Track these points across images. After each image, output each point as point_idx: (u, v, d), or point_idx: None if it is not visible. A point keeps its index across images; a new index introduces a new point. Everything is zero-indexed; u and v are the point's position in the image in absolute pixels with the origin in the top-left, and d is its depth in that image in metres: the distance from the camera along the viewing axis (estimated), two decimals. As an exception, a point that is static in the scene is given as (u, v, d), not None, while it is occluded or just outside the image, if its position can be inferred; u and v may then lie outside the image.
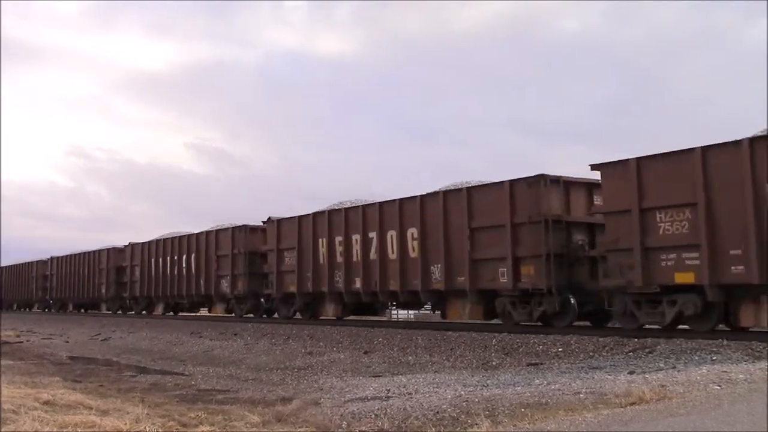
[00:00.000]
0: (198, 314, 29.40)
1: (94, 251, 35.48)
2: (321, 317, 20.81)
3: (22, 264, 46.04)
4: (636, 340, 12.08)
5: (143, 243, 30.75)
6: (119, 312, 33.47)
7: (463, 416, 6.85)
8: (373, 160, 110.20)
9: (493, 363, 12.21)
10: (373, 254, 18.10)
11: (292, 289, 21.03)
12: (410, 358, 13.65)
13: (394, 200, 17.75)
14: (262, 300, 24.02)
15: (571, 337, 12.95)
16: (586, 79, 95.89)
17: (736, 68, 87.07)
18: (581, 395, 7.00)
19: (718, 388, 6.89)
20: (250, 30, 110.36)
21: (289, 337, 18.01)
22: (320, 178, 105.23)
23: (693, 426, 5.10)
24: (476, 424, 6.27)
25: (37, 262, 43.10)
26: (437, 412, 7.11)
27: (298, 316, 21.93)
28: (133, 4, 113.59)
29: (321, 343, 16.41)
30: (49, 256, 41.55)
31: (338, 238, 19.28)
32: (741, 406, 5.78)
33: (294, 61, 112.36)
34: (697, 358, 10.09)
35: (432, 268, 16.46)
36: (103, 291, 33.92)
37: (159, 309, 30.27)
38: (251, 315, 24.38)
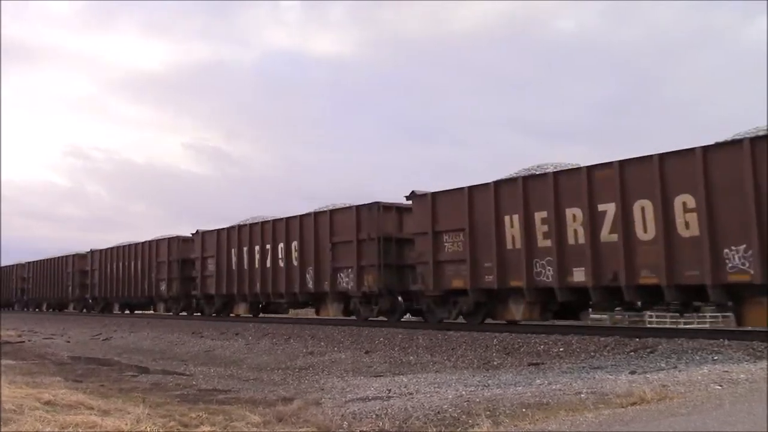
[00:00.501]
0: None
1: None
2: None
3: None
4: (637, 340, 12.09)
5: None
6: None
7: (464, 416, 6.85)
8: (373, 160, 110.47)
9: (495, 363, 12.20)
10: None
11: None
12: (411, 357, 13.64)
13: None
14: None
15: (572, 337, 12.95)
16: (585, 79, 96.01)
17: (734, 68, 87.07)
18: (582, 395, 6.99)
19: (720, 388, 6.88)
20: (247, 30, 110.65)
21: (290, 336, 18.02)
22: (319, 178, 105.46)
23: (694, 426, 5.10)
24: (477, 424, 6.27)
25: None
26: (438, 412, 7.11)
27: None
28: (130, 4, 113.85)
29: (322, 343, 16.41)
30: (89, 250, 36.79)
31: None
32: (742, 406, 5.77)
33: (291, 61, 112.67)
34: (698, 358, 10.09)
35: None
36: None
37: (240, 309, 29.62)
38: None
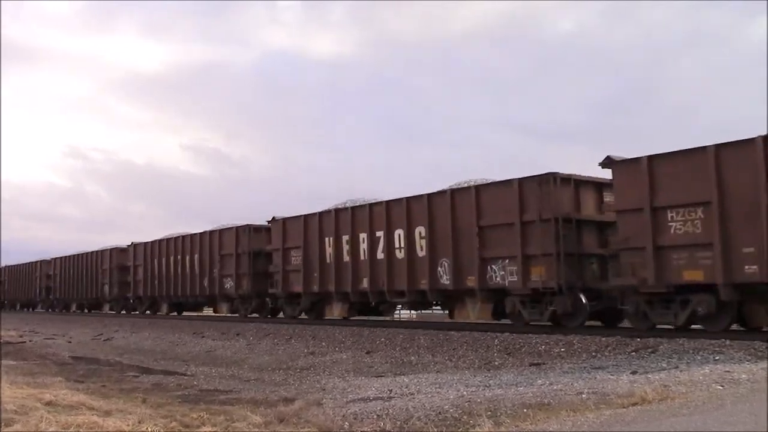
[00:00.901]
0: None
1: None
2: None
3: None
4: (639, 340, 12.07)
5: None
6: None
7: (465, 417, 6.84)
8: (372, 160, 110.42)
9: (496, 363, 12.20)
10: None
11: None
12: (412, 358, 13.64)
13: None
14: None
15: (573, 337, 12.95)
16: (584, 79, 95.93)
17: (733, 68, 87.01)
18: (583, 395, 6.99)
19: (721, 388, 6.88)
20: (247, 30, 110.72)
21: (291, 337, 18.02)
22: (319, 178, 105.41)
23: (695, 426, 5.10)
24: (478, 424, 6.27)
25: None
26: (439, 413, 7.10)
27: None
28: (129, 5, 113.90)
29: (323, 343, 16.41)
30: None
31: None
32: (743, 406, 5.77)
33: (290, 62, 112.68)
34: (699, 358, 10.08)
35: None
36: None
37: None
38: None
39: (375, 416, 7.37)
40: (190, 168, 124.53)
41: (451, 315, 17.38)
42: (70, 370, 14.50)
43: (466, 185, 16.55)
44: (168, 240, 29.12)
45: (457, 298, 16.61)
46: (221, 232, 25.66)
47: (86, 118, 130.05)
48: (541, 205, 14.26)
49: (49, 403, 8.40)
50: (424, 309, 21.47)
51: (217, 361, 15.78)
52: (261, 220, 23.70)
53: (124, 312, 33.50)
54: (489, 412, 6.70)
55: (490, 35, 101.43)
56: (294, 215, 21.52)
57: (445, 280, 16.29)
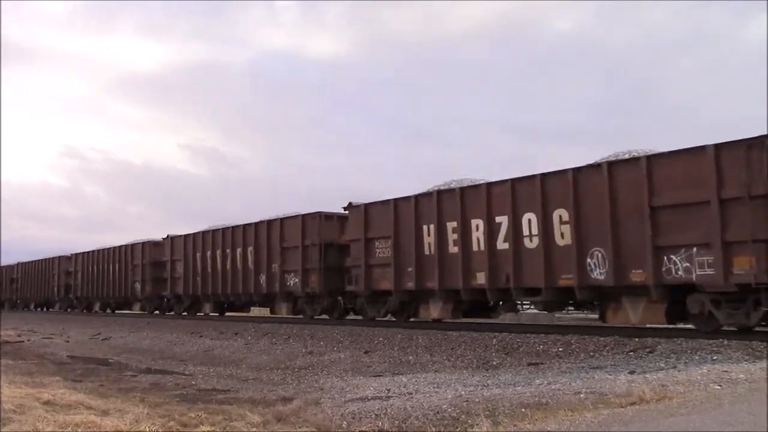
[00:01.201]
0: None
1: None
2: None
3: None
4: (636, 339, 12.10)
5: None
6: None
7: (463, 416, 6.85)
8: (371, 160, 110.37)
9: (494, 363, 12.21)
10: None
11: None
12: (411, 357, 13.65)
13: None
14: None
15: (571, 337, 12.97)
16: (584, 79, 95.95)
17: (733, 67, 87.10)
18: (581, 395, 6.99)
19: (719, 387, 6.89)
20: (244, 30, 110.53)
21: (289, 336, 18.02)
22: (316, 178, 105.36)
23: (693, 426, 5.10)
24: (476, 424, 6.27)
25: (145, 243, 32.28)
26: (437, 412, 7.11)
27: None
28: (126, 5, 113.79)
29: (321, 343, 16.41)
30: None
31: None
32: (741, 405, 5.78)
33: (287, 62, 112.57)
34: (697, 357, 10.09)
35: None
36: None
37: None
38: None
39: (373, 416, 7.37)
40: (188, 168, 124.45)
41: (602, 317, 14.14)
42: (68, 369, 14.48)
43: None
44: (214, 231, 25.62)
45: (613, 296, 13.59)
46: (283, 221, 22.07)
47: (83, 117, 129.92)
48: (750, 177, 11.17)
49: (47, 403, 8.39)
50: (561, 309, 17.95)
51: (215, 361, 15.78)
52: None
53: (157, 312, 30.39)
54: (487, 412, 6.70)
55: (490, 35, 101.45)
56: (379, 200, 18.45)
57: (598, 274, 13.32)
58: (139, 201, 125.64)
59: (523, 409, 6.66)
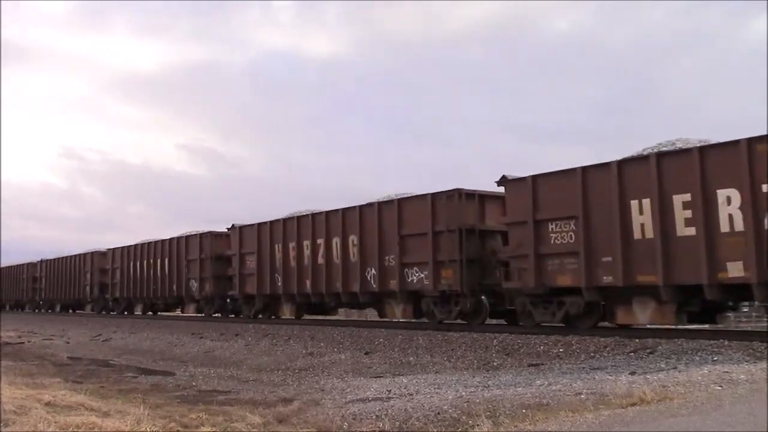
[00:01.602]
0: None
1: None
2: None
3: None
4: (637, 340, 12.09)
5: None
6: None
7: (464, 417, 6.85)
8: (369, 160, 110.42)
9: (494, 363, 12.21)
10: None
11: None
12: (411, 358, 13.64)
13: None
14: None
15: (572, 338, 12.95)
16: (584, 79, 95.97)
17: (731, 67, 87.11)
18: (582, 396, 6.99)
19: (720, 388, 6.88)
20: (242, 30, 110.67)
21: (290, 337, 18.02)
22: (315, 178, 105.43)
23: (694, 426, 5.10)
24: (477, 425, 6.28)
25: (203, 235, 28.79)
26: (438, 413, 7.11)
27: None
28: (124, 5, 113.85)
29: (322, 344, 16.41)
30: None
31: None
32: (742, 406, 5.77)
33: (287, 62, 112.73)
34: (698, 358, 10.09)
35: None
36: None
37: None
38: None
39: (374, 417, 7.37)
40: (186, 168, 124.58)
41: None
42: (69, 370, 14.48)
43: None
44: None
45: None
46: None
47: (81, 118, 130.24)
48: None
49: (48, 404, 8.39)
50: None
51: (215, 362, 15.77)
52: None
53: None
54: (488, 413, 6.70)
55: (490, 35, 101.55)
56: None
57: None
58: (137, 201, 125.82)
59: (524, 410, 6.66)
